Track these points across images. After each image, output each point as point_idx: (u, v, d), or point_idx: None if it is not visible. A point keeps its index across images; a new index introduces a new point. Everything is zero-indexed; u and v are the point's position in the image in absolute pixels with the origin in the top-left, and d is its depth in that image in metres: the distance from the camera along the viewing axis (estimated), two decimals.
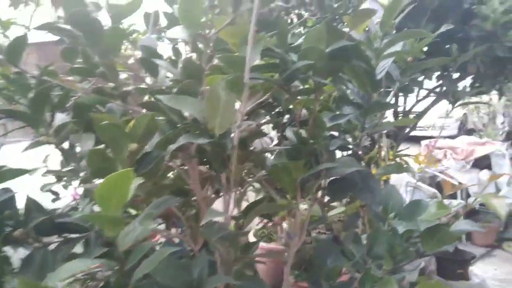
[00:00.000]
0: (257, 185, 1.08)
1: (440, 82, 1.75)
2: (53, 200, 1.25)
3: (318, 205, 1.12)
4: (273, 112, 1.01)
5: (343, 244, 0.89)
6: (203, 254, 0.61)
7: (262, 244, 1.67)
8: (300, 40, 0.71)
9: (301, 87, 0.82)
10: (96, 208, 0.75)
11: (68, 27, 0.67)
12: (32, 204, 0.68)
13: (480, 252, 2.86)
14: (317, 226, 1.48)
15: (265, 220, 1.57)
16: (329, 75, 0.76)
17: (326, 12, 1.15)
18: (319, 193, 0.95)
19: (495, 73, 1.75)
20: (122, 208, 0.45)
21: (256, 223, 1.78)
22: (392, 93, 1.17)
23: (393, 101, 1.84)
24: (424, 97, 1.86)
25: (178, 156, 0.69)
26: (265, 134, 0.86)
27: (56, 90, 0.84)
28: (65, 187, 1.14)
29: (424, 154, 2.74)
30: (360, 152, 1.15)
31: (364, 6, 0.83)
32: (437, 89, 1.79)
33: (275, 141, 1.09)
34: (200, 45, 0.73)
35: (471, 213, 2.85)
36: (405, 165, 1.60)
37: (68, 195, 1.26)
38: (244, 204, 0.82)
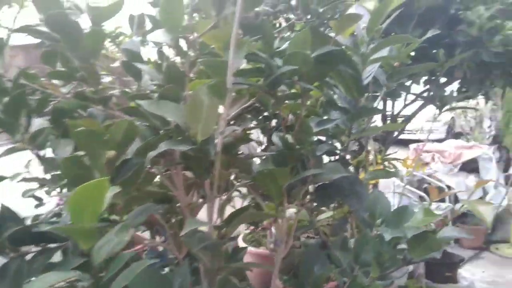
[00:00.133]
0: (244, 190, 1.06)
1: (427, 87, 1.76)
2: (36, 206, 1.21)
3: (306, 210, 1.11)
4: (260, 117, 1.00)
5: (331, 249, 0.88)
6: (185, 264, 0.59)
7: (250, 249, 1.65)
8: (286, 45, 0.70)
9: (288, 91, 0.81)
10: None
11: (46, 29, 0.65)
12: (7, 213, 0.65)
13: (468, 254, 2.88)
14: (305, 231, 1.47)
15: (252, 227, 1.56)
16: (315, 80, 0.75)
17: (312, 17, 1.15)
18: (307, 198, 0.94)
19: (481, 78, 1.77)
20: (96, 219, 0.43)
21: (245, 227, 1.76)
22: (379, 97, 1.17)
23: (381, 105, 1.85)
24: (412, 101, 1.87)
25: (160, 162, 0.67)
26: (250, 140, 0.85)
27: (37, 94, 0.81)
28: (48, 193, 1.11)
29: (412, 158, 2.76)
30: (348, 157, 1.15)
31: (351, 11, 0.83)
32: (425, 94, 1.80)
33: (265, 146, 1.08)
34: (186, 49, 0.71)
35: (459, 216, 2.87)
36: (393, 169, 1.61)
37: (53, 200, 1.23)
38: (231, 210, 0.81)
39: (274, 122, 1.04)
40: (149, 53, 0.96)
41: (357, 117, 0.90)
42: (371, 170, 1.35)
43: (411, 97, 1.86)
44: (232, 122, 0.86)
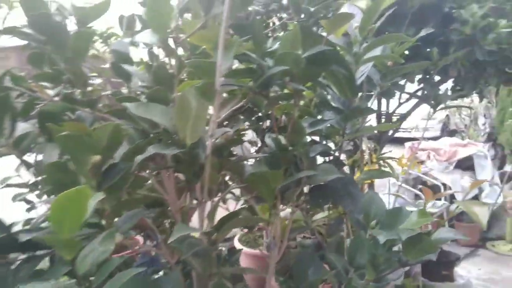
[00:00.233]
0: (238, 192, 1.05)
1: (422, 85, 1.76)
2: (28, 210, 1.19)
3: (301, 211, 1.09)
4: (253, 118, 0.98)
5: (326, 251, 0.87)
6: (176, 270, 0.57)
7: (246, 250, 1.64)
8: (277, 45, 0.68)
9: (281, 92, 0.80)
10: None
11: (31, 31, 0.63)
12: None
13: (464, 252, 2.89)
14: (300, 232, 1.46)
15: (245, 230, 1.54)
16: (307, 80, 0.74)
17: (305, 16, 1.14)
18: (301, 199, 0.93)
19: (475, 76, 1.77)
20: (78, 228, 0.42)
21: (241, 228, 1.75)
22: (374, 97, 1.16)
23: (375, 105, 1.84)
24: (407, 100, 1.87)
25: (149, 166, 0.65)
26: (242, 141, 0.83)
27: (25, 97, 0.80)
28: (39, 196, 1.09)
29: (407, 156, 2.76)
30: (343, 157, 1.14)
31: (343, 10, 0.82)
32: (419, 92, 1.80)
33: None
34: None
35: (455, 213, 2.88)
36: (388, 168, 1.60)
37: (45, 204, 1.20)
38: (225, 213, 0.79)
39: (267, 123, 1.02)
40: (142, 53, 0.94)
41: (351, 117, 0.89)
42: (366, 170, 1.34)
43: (405, 95, 1.85)
44: (225, 124, 0.85)
